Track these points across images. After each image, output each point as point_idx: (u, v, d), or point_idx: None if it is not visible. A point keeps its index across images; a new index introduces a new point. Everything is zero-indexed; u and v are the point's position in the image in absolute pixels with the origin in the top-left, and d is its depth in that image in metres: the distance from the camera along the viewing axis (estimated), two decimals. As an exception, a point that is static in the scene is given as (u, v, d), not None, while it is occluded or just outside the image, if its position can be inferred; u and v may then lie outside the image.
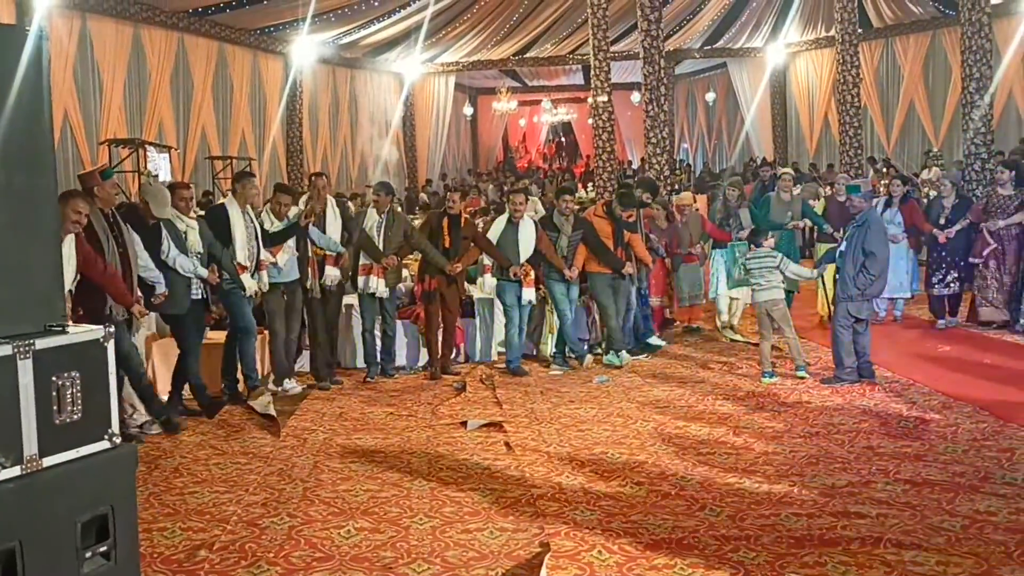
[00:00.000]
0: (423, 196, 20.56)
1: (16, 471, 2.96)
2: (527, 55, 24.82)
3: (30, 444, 3.00)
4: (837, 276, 7.43)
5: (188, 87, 16.63)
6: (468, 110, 28.66)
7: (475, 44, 23.49)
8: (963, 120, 13.87)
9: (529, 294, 8.17)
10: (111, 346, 3.30)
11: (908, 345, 8.81)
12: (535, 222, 8.43)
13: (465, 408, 7.01)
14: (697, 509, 4.68)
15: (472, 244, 8.12)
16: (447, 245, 8.04)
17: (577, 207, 9.01)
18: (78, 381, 3.17)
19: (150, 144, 14.35)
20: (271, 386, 7.52)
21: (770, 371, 7.55)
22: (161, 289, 6.44)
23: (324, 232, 7.68)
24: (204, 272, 6.75)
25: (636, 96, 24.55)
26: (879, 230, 7.25)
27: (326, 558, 4.19)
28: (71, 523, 3.09)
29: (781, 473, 5.20)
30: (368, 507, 4.86)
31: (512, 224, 8.23)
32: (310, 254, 7.72)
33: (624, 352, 8.39)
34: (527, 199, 9.27)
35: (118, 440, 3.32)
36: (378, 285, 7.84)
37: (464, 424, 6.51)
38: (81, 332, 3.26)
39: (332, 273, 7.72)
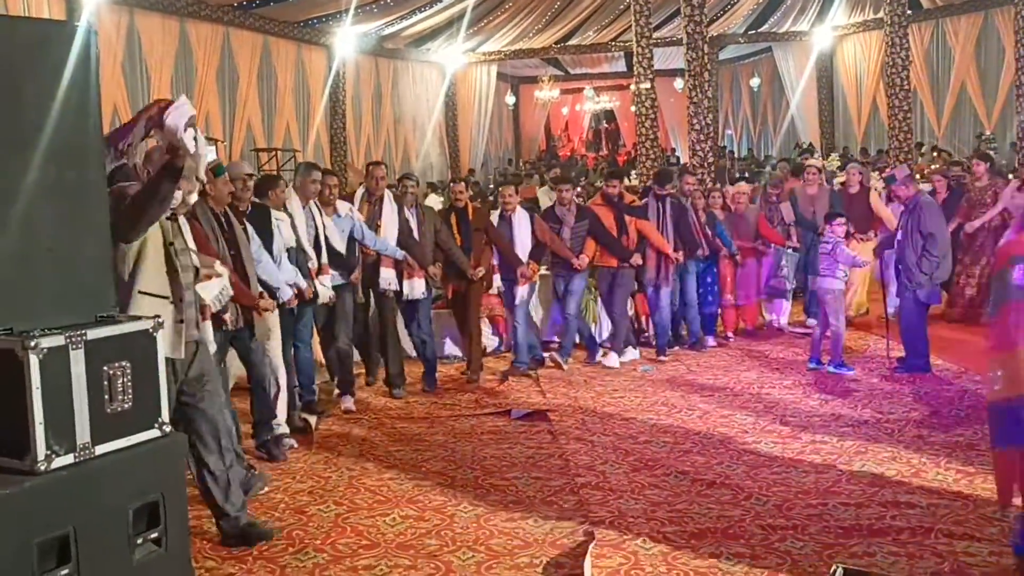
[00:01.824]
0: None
1: (69, 459, 3.02)
2: (569, 43, 24.68)
3: (83, 432, 3.07)
4: (899, 267, 7.20)
5: (233, 80, 16.83)
6: (510, 99, 28.58)
7: (517, 33, 23.41)
8: (1016, 102, 13.54)
9: (523, 292, 7.75)
10: (160, 336, 3.36)
11: (959, 331, 8.64)
12: (531, 214, 7.98)
13: (509, 397, 7.02)
14: (743, 498, 4.64)
15: (485, 240, 7.60)
16: (459, 242, 7.46)
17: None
18: (128, 371, 3.23)
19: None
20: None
21: (817, 358, 7.45)
22: (286, 296, 5.69)
23: (379, 230, 6.94)
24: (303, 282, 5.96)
25: (679, 82, 24.32)
26: (933, 211, 7.05)
27: (372, 545, 4.23)
28: (123, 510, 3.15)
29: (828, 462, 5.14)
30: (413, 495, 4.89)
31: (504, 219, 7.76)
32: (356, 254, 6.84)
33: (567, 355, 8.00)
34: (517, 191, 8.69)
35: (168, 428, 3.38)
36: (419, 287, 7.18)
37: (508, 413, 6.52)
38: (131, 323, 3.32)
39: (388, 276, 7.02)
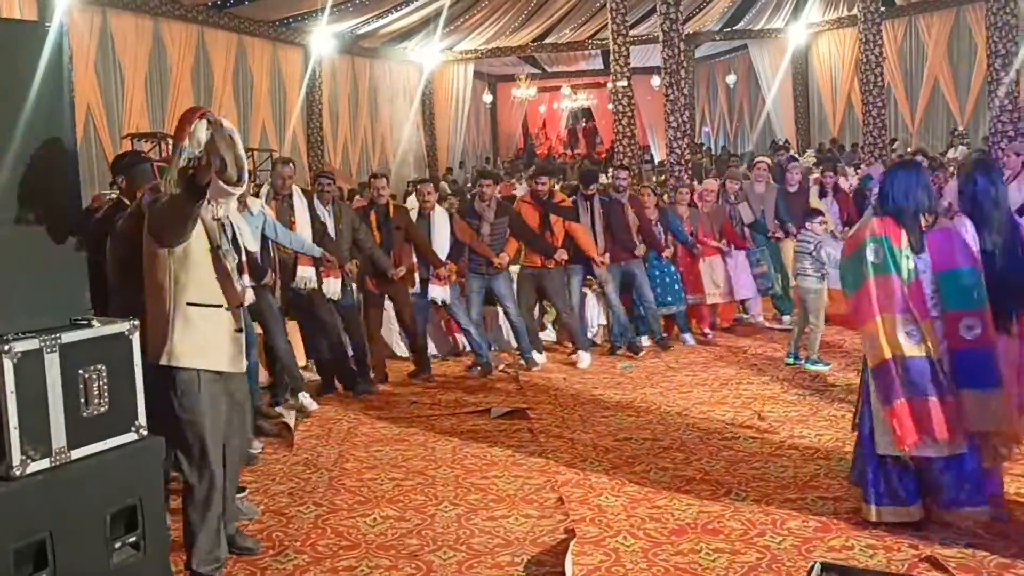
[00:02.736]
0: (444, 185, 20.55)
1: (45, 463, 3.00)
2: (546, 41, 24.71)
3: (58, 437, 3.05)
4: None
5: (208, 80, 16.73)
6: (487, 98, 28.59)
7: (494, 31, 23.41)
8: (988, 98, 13.68)
9: (438, 292, 7.46)
10: (136, 339, 3.34)
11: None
12: (449, 212, 7.77)
13: (488, 396, 7.02)
14: (722, 494, 4.66)
15: (405, 237, 7.39)
16: (378, 240, 7.30)
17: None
18: (104, 374, 3.21)
19: (172, 137, 14.42)
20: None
21: (795, 354, 7.50)
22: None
23: (293, 227, 6.72)
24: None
25: (656, 80, 24.39)
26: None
27: (352, 546, 4.21)
28: (100, 514, 3.14)
29: (807, 457, 5.18)
30: (393, 495, 4.88)
31: (423, 217, 7.56)
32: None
33: (536, 354, 7.91)
34: (437, 188, 8.38)
35: (144, 432, 3.36)
36: (334, 286, 6.99)
37: (488, 412, 6.52)
38: (106, 326, 3.30)
39: (306, 274, 6.80)
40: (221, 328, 3.56)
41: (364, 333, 7.48)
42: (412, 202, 8.09)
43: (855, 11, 16.73)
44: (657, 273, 8.47)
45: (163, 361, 3.50)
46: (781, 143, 22.03)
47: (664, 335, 8.45)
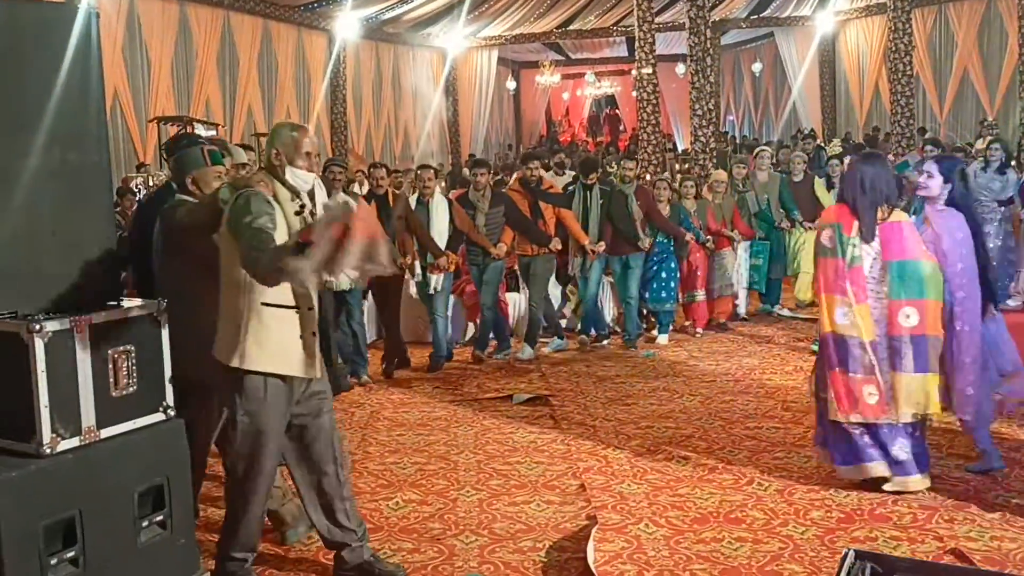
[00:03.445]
0: (466, 172, 20.53)
1: (75, 442, 3.04)
2: (570, 27, 24.57)
3: (88, 416, 3.08)
4: None
5: (234, 64, 16.78)
6: (511, 84, 28.49)
7: (518, 17, 23.31)
8: (1019, 88, 13.50)
9: (436, 281, 7.38)
10: (165, 320, 3.36)
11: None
12: (449, 200, 7.59)
13: (511, 382, 7.03)
14: (745, 483, 4.65)
15: (405, 226, 7.27)
16: None
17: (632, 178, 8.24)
18: (133, 354, 3.23)
19: (198, 121, 14.50)
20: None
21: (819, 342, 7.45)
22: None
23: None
24: None
25: (681, 68, 24.22)
26: None
27: (375, 529, 4.23)
28: (128, 493, 3.17)
29: (830, 447, 5.14)
30: (416, 479, 4.90)
31: (422, 204, 7.43)
32: None
33: (529, 347, 7.79)
34: (437, 174, 8.20)
35: (172, 412, 3.39)
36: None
37: (510, 398, 6.53)
38: (135, 307, 3.32)
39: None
40: (294, 331, 3.40)
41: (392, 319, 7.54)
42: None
43: (884, -1, 16.53)
44: (655, 269, 8.23)
45: (234, 363, 3.34)
46: (807, 132, 21.84)
47: (636, 334, 8.18)
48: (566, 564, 3.83)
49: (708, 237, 8.44)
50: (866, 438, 4.39)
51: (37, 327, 2.92)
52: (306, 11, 18.54)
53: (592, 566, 3.70)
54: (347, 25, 19.32)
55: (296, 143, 3.48)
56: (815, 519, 4.16)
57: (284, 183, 3.45)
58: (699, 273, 8.47)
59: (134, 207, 8.41)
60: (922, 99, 20.42)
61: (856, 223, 4.39)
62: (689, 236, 8.22)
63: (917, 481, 4.37)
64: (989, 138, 10.94)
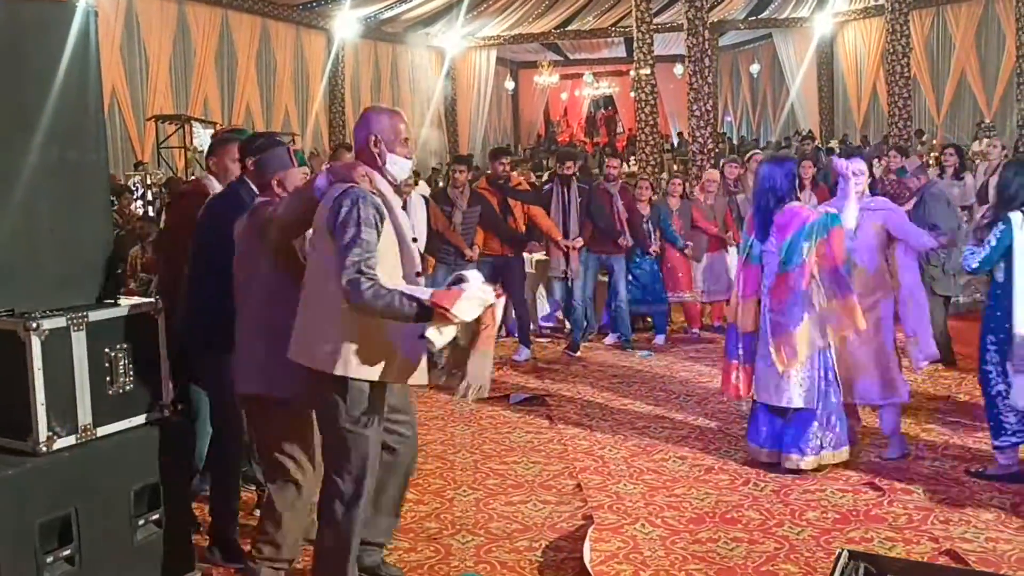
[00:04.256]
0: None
1: (71, 440, 3.04)
2: (569, 28, 24.60)
3: (84, 414, 3.08)
4: None
5: (232, 63, 16.80)
6: (509, 84, 28.51)
7: (516, 17, 23.33)
8: (1017, 90, 13.53)
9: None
10: (161, 319, 3.36)
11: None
12: (425, 198, 7.26)
13: (507, 382, 7.03)
14: (741, 483, 4.66)
15: None
16: None
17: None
18: (130, 353, 3.23)
19: (196, 120, 14.51)
20: None
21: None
22: None
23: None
24: None
25: (679, 68, 24.25)
26: (939, 200, 7.03)
27: (371, 528, 4.23)
28: (124, 491, 3.17)
29: (826, 448, 5.15)
30: (412, 479, 4.90)
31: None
32: None
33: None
34: (418, 175, 8.13)
35: (168, 411, 3.39)
36: None
37: (507, 398, 6.53)
38: (133, 305, 3.32)
39: None
40: (396, 336, 3.16)
41: None
42: (423, 188, 7.89)
43: (882, 1, 16.55)
44: (638, 271, 8.21)
45: (338, 371, 3.07)
46: (805, 133, 21.87)
47: (630, 336, 8.12)
48: (562, 564, 3.84)
49: (688, 243, 8.32)
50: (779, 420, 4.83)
51: (34, 325, 2.92)
52: (305, 10, 18.55)
53: (588, 566, 3.70)
54: (346, 24, 19.34)
55: (395, 128, 3.26)
56: (811, 519, 4.16)
57: (384, 173, 3.23)
58: (680, 275, 8.40)
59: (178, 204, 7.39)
60: (920, 101, 20.45)
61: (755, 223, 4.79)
62: (654, 248, 8.17)
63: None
64: (947, 144, 10.81)
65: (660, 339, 8.28)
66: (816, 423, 4.67)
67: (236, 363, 3.40)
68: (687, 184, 10.13)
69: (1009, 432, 4.47)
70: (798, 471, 4.66)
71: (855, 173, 4.82)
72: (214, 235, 3.62)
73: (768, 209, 4.70)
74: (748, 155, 9.80)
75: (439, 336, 3.10)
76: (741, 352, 4.84)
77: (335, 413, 3.12)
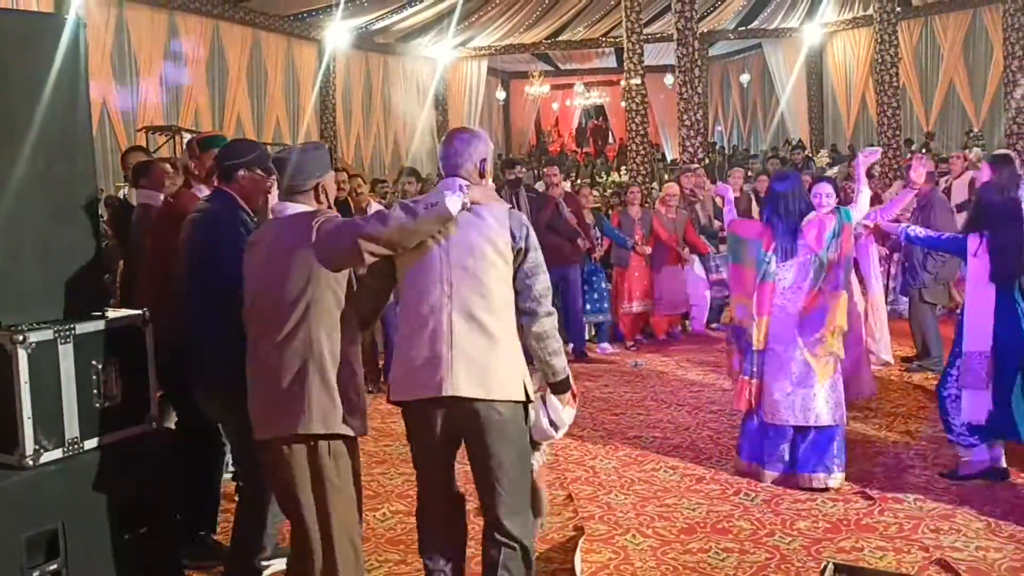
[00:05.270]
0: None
1: (58, 454, 3.02)
2: (559, 38, 24.66)
3: (71, 427, 3.06)
4: (906, 264, 7.19)
5: (223, 74, 16.77)
6: (501, 94, 28.56)
7: (507, 28, 23.38)
8: (1004, 100, 13.60)
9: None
10: (149, 331, 3.34)
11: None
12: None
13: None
14: (732, 493, 4.66)
15: None
16: None
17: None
18: (117, 365, 3.22)
19: (186, 131, 14.47)
20: None
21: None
22: None
23: None
24: None
25: (669, 78, 24.30)
26: (942, 209, 7.08)
27: (362, 540, 4.21)
28: (112, 505, 3.15)
29: (817, 458, 5.15)
30: (403, 490, 4.89)
31: (361, 212, 6.61)
32: None
33: None
34: (365, 181, 7.75)
35: (155, 424, 3.37)
36: None
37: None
38: (120, 317, 3.31)
39: None
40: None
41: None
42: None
43: (870, 11, 16.62)
44: (594, 278, 8.34)
45: (521, 396, 3.08)
46: (795, 143, 21.96)
47: (584, 348, 8.21)
48: (553, 575, 3.82)
49: (636, 240, 8.41)
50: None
51: (21, 338, 2.91)
52: (296, 21, 18.54)
53: (579, 577, 3.70)
54: (337, 35, 19.33)
55: (491, 152, 3.16)
56: (801, 529, 4.16)
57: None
58: (626, 285, 8.50)
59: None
60: (909, 110, 20.55)
61: (774, 243, 4.76)
62: (596, 255, 8.33)
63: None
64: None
65: (607, 346, 8.43)
66: (839, 439, 4.70)
67: (270, 403, 3.00)
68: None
69: (956, 433, 4.72)
70: (825, 489, 4.61)
71: (826, 195, 4.88)
72: (224, 266, 3.27)
73: (794, 228, 4.74)
74: (730, 171, 9.89)
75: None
76: (754, 370, 4.80)
77: (515, 439, 3.18)
